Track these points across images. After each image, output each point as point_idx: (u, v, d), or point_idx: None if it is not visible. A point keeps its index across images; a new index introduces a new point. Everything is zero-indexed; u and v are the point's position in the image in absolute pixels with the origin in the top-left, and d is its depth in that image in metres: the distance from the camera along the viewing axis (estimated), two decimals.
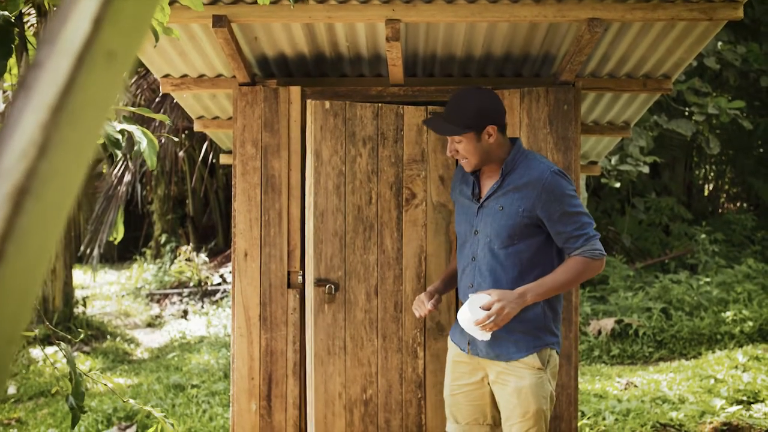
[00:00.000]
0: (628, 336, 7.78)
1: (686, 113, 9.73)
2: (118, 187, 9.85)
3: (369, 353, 3.44)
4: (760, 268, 9.08)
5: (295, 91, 3.63)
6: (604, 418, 5.12)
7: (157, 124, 9.38)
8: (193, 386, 6.28)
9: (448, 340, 2.95)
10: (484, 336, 2.65)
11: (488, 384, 2.78)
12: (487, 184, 2.80)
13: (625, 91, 3.90)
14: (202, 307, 10.42)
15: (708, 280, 8.87)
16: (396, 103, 3.60)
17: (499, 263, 2.70)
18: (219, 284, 10.82)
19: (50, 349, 7.38)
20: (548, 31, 3.39)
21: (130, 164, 9.92)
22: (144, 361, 7.89)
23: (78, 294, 10.38)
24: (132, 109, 2.00)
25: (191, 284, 10.99)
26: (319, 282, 3.39)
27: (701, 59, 8.89)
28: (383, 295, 3.47)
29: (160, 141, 10.25)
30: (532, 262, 2.69)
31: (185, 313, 10.35)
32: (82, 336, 2.65)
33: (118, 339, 8.75)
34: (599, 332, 7.84)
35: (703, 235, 10.16)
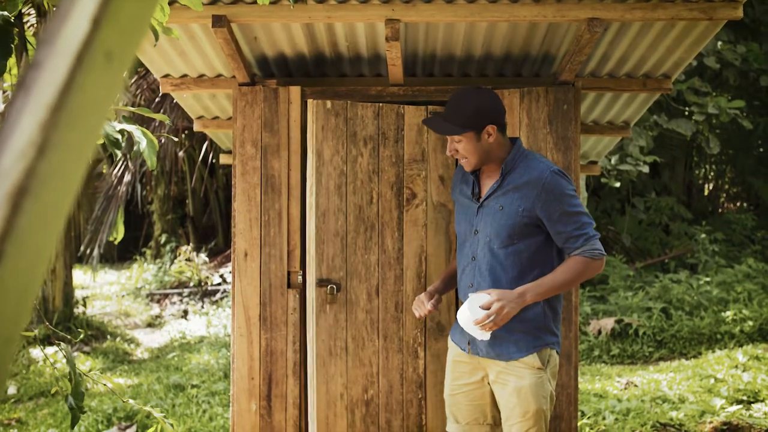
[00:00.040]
0: (628, 336, 7.78)
1: (686, 113, 9.74)
2: (118, 187, 9.85)
3: (370, 353, 3.44)
4: (760, 267, 9.08)
5: (295, 91, 3.63)
6: (604, 418, 5.12)
7: (157, 124, 9.38)
8: (193, 386, 6.28)
9: (449, 340, 2.95)
10: (484, 336, 2.65)
11: (488, 384, 2.78)
12: (487, 184, 2.80)
13: (624, 91, 3.90)
14: (202, 307, 10.42)
15: (708, 279, 8.87)
16: (396, 102, 3.60)
17: (498, 263, 2.70)
18: (219, 284, 10.82)
19: (50, 350, 7.38)
20: (548, 30, 3.39)
21: (130, 164, 9.92)
22: (144, 361, 7.89)
23: (78, 294, 10.38)
24: (132, 109, 2.00)
25: (191, 284, 10.99)
26: (321, 282, 3.38)
27: (701, 59, 8.89)
28: (384, 295, 3.47)
29: (160, 141, 10.25)
30: (531, 261, 2.69)
31: (185, 313, 10.36)
32: (81, 336, 2.65)
33: (118, 339, 8.75)
34: (599, 332, 7.84)
35: (703, 235, 10.16)
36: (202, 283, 10.85)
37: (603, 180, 9.52)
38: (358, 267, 3.43)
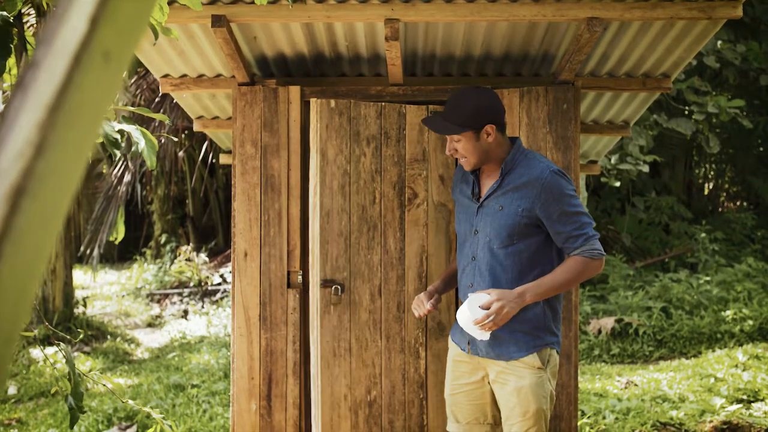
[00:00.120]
0: (628, 335, 7.78)
1: (686, 112, 9.74)
2: (118, 187, 9.85)
3: (373, 354, 3.43)
4: (760, 266, 9.08)
5: (295, 90, 3.63)
6: (604, 417, 5.12)
7: (156, 123, 9.38)
8: (193, 386, 6.28)
9: (449, 339, 2.95)
10: (484, 336, 2.65)
11: (488, 383, 2.78)
12: (487, 184, 2.80)
13: (624, 90, 3.90)
14: (203, 307, 10.42)
15: (708, 279, 8.87)
16: (395, 102, 3.60)
17: (498, 263, 2.70)
18: (219, 284, 10.82)
19: (50, 350, 7.38)
20: (547, 30, 3.39)
21: (130, 164, 9.92)
22: (144, 361, 7.89)
23: (78, 294, 10.38)
24: (132, 108, 2.00)
25: (191, 284, 10.99)
26: (326, 283, 3.37)
27: (701, 58, 8.89)
28: (386, 295, 3.46)
29: (159, 141, 10.25)
30: (531, 261, 2.69)
31: (185, 313, 10.36)
32: (81, 336, 2.65)
33: (118, 339, 8.75)
34: (599, 331, 7.84)
35: (703, 234, 10.16)
36: (202, 283, 10.85)
37: (603, 179, 9.52)
38: (361, 267, 3.42)
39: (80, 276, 12.53)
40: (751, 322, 7.64)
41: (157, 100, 9.80)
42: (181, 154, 11.87)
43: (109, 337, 8.80)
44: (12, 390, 6.56)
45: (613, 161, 9.01)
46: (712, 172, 13.50)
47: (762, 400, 5.39)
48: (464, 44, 3.53)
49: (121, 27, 0.45)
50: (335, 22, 3.26)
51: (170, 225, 13.05)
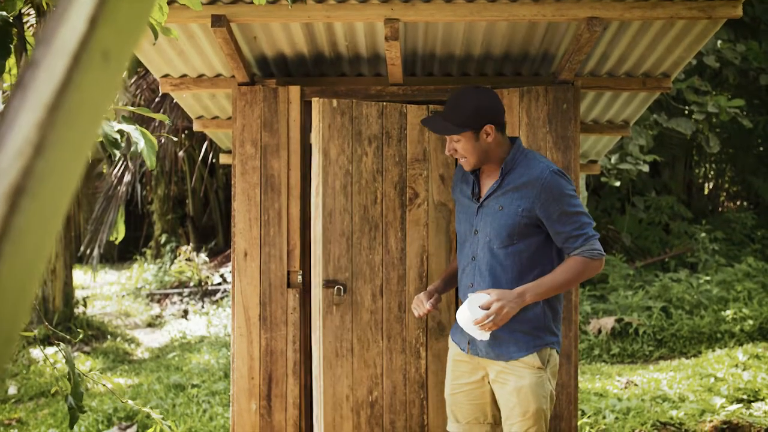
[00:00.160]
0: (628, 335, 7.78)
1: (686, 112, 9.73)
2: (118, 187, 9.85)
3: (375, 354, 3.43)
4: (760, 266, 9.08)
5: (295, 90, 3.63)
6: (604, 417, 5.12)
7: (156, 123, 9.38)
8: (193, 386, 6.28)
9: (449, 339, 2.95)
10: (483, 336, 2.65)
11: (488, 383, 2.78)
12: (487, 184, 2.80)
13: (624, 90, 3.90)
14: (203, 306, 10.42)
15: (708, 278, 8.87)
16: (395, 102, 3.60)
17: (498, 263, 2.70)
18: (219, 284, 10.82)
19: (50, 350, 7.38)
20: (547, 30, 3.39)
21: (130, 164, 9.92)
22: (144, 361, 7.89)
23: (78, 294, 10.38)
24: (132, 108, 2.00)
25: (191, 284, 10.99)
26: (328, 283, 3.36)
27: (701, 58, 8.89)
28: (388, 295, 3.46)
29: (159, 141, 10.25)
30: (531, 261, 2.69)
31: (185, 312, 10.36)
32: (81, 336, 2.65)
33: (118, 339, 8.75)
34: (599, 331, 7.84)
35: (703, 234, 10.17)
36: (203, 283, 10.85)
37: (603, 179, 9.52)
38: (363, 267, 3.42)
39: (80, 276, 12.53)
40: (751, 322, 7.64)
41: (157, 100, 9.80)
42: (181, 154, 11.87)
43: (109, 337, 8.80)
44: (12, 390, 6.56)
45: (613, 161, 9.01)
46: (712, 172, 13.50)
47: (762, 399, 5.39)
48: (464, 44, 3.53)
49: (120, 27, 0.45)
50: (335, 22, 3.26)
51: (170, 225, 13.05)
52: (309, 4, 3.10)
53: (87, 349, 8.27)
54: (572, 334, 3.50)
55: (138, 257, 13.21)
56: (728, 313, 7.83)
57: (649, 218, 11.00)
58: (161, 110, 9.50)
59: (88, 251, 9.99)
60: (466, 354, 2.80)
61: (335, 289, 3.35)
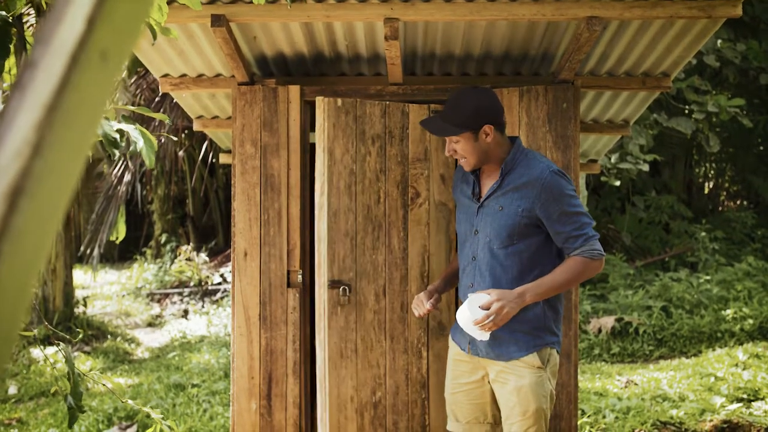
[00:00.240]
0: (628, 334, 7.78)
1: (686, 111, 9.73)
2: (118, 187, 9.85)
3: (378, 355, 3.42)
4: (760, 265, 9.08)
5: (294, 90, 3.63)
6: (604, 416, 5.12)
7: (156, 123, 9.38)
8: (193, 386, 6.28)
9: (449, 338, 2.95)
10: (483, 336, 2.65)
11: (488, 382, 2.78)
12: (487, 184, 2.80)
13: (624, 90, 3.90)
14: (203, 306, 10.42)
15: (708, 278, 8.87)
16: (395, 102, 3.60)
17: (498, 263, 2.70)
18: (219, 284, 10.82)
19: (51, 350, 7.39)
20: (547, 29, 3.39)
21: (130, 164, 9.92)
22: (144, 361, 7.89)
23: (78, 294, 10.38)
24: (132, 108, 2.00)
25: (191, 284, 10.99)
26: (333, 284, 3.35)
27: (700, 57, 8.89)
28: (391, 295, 3.45)
29: (159, 141, 10.25)
30: (531, 261, 2.69)
31: (186, 312, 10.36)
32: (81, 336, 2.65)
33: (118, 339, 8.75)
34: (599, 330, 7.84)
35: (704, 233, 10.16)
36: (203, 283, 10.85)
37: (603, 178, 9.52)
38: (366, 267, 3.41)
39: (80, 276, 12.53)
40: (751, 321, 7.64)
41: (157, 99, 9.80)
42: (181, 153, 11.87)
43: (109, 336, 8.80)
44: (12, 390, 6.56)
45: (613, 160, 9.01)
46: (712, 171, 13.50)
47: (762, 399, 5.39)
48: (464, 43, 3.53)
49: (118, 27, 0.45)
50: (334, 22, 3.26)
51: (170, 225, 13.06)
52: (308, 4, 3.10)
53: (87, 348, 8.27)
54: (572, 334, 3.50)
55: (138, 257, 13.22)
56: (728, 312, 7.83)
57: (649, 218, 11.00)
58: (161, 110, 9.50)
59: (88, 251, 9.99)
60: (467, 354, 2.80)
61: (340, 289, 3.34)
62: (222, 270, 11.23)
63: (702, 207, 12.45)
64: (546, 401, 2.67)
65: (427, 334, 3.50)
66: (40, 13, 6.58)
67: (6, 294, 0.45)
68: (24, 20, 6.35)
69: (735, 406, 5.12)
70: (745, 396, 5.46)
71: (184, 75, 3.86)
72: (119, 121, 1.85)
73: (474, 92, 2.73)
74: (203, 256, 11.40)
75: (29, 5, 6.21)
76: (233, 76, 3.74)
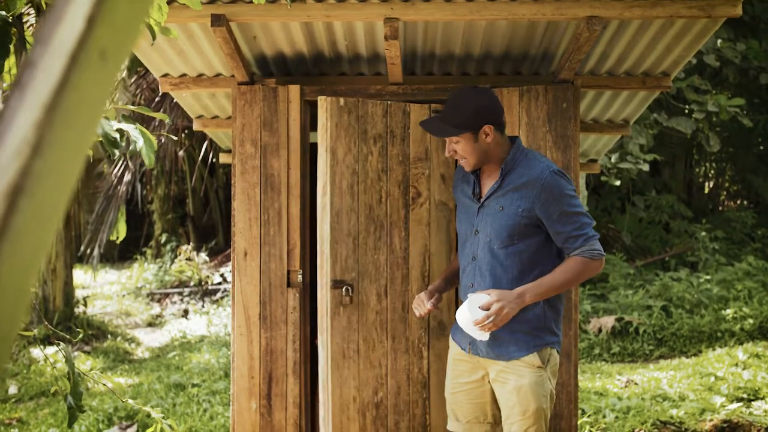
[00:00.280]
0: (628, 334, 7.78)
1: (686, 111, 9.73)
2: (119, 187, 9.85)
3: (380, 355, 3.42)
4: (761, 265, 9.08)
5: (294, 90, 3.63)
6: (604, 416, 5.12)
7: (157, 123, 9.38)
8: (193, 385, 6.28)
9: (450, 338, 2.95)
10: (483, 336, 2.65)
11: (489, 382, 2.78)
12: (488, 184, 2.80)
13: (624, 89, 3.90)
14: (203, 306, 10.42)
15: (708, 277, 8.87)
16: (395, 101, 3.60)
17: (499, 263, 2.70)
18: (219, 283, 10.82)
19: (51, 349, 7.39)
20: (547, 29, 3.39)
21: (130, 164, 9.92)
22: (145, 361, 7.89)
23: (78, 294, 10.38)
24: (132, 108, 2.00)
25: (192, 283, 10.99)
26: (336, 284, 3.35)
27: (701, 57, 8.89)
28: (392, 295, 3.45)
29: (159, 140, 10.25)
30: (532, 261, 2.69)
31: (186, 312, 10.36)
32: (81, 336, 2.65)
33: (118, 338, 8.75)
34: (599, 330, 7.84)
35: (704, 233, 10.17)
36: (203, 283, 10.85)
37: (603, 178, 9.52)
38: (368, 267, 3.40)
39: (80, 275, 12.53)
40: (751, 321, 7.64)
41: (157, 99, 9.80)
42: (181, 153, 11.88)
43: (109, 336, 8.80)
44: (12, 389, 6.57)
45: (613, 160, 9.01)
46: (712, 171, 13.50)
47: (762, 398, 5.39)
48: (464, 43, 3.53)
49: (117, 26, 0.45)
50: (334, 22, 3.26)
51: (170, 224, 13.06)
52: (308, 4, 3.10)
53: (87, 348, 8.27)
54: (572, 333, 3.50)
55: (138, 257, 13.22)
56: (728, 312, 7.83)
57: (650, 217, 11.00)
58: (161, 109, 9.50)
59: (88, 251, 9.99)
60: (467, 353, 2.80)
61: (343, 289, 3.34)
62: (222, 270, 11.23)
63: (702, 207, 12.45)
64: (546, 401, 2.67)
65: (427, 333, 3.50)
66: (40, 12, 6.58)
67: (6, 294, 0.45)
68: (24, 20, 6.35)
69: (735, 405, 5.12)
70: (745, 396, 5.46)
71: (184, 75, 3.86)
72: (119, 121, 1.85)
73: (473, 92, 2.73)
74: (203, 255, 11.40)
75: (29, 5, 6.21)
76: (233, 76, 3.74)
